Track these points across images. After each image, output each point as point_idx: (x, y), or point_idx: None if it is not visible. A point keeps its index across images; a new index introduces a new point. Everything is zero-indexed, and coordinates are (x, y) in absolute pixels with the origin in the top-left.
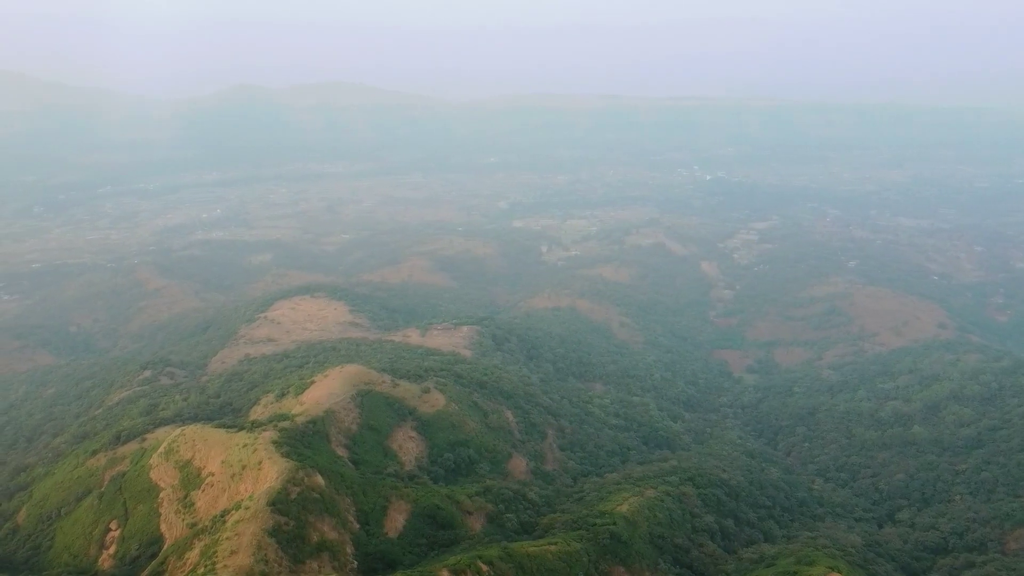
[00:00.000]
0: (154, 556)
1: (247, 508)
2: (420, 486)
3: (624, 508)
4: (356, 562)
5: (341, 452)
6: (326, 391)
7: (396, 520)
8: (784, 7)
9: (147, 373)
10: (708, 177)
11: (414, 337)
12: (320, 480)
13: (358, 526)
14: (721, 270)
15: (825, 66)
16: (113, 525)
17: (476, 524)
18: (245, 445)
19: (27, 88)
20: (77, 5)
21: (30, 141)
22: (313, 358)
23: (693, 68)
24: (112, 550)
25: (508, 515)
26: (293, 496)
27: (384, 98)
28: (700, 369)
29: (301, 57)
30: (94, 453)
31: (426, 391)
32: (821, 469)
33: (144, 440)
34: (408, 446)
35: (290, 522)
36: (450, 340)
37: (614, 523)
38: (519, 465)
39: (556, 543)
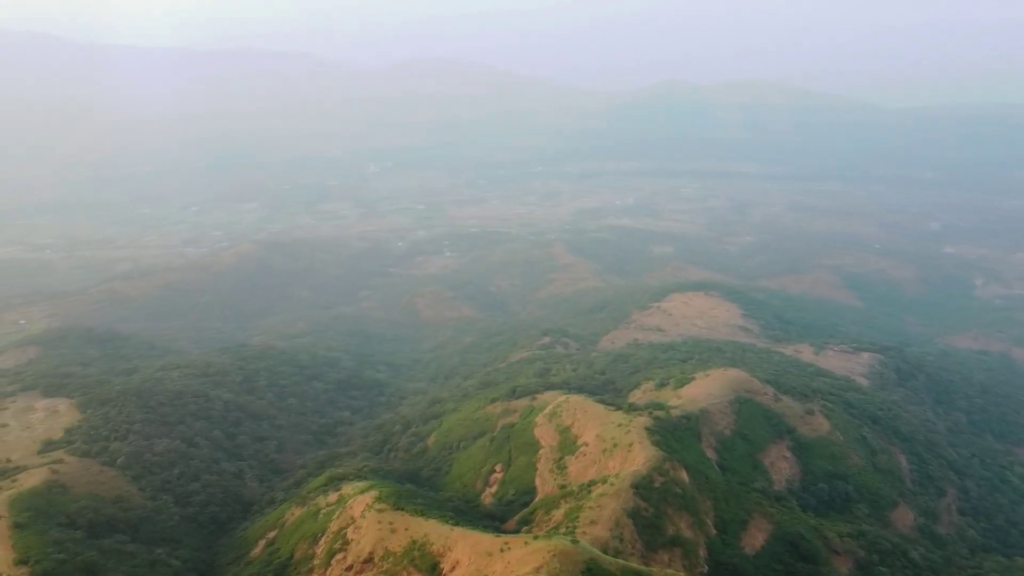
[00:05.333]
0: (525, 505)
1: (612, 485)
2: (787, 509)
3: None
4: (707, 567)
5: (710, 454)
6: (705, 390)
7: (755, 537)
8: None
9: (546, 339)
10: None
11: (806, 353)
12: (685, 476)
13: (715, 532)
14: None
15: None
16: (498, 468)
17: (842, 567)
18: (620, 425)
19: (484, 76)
20: (536, 3)
21: (483, 122)
22: (697, 355)
23: None
24: (494, 489)
25: (881, 568)
26: (656, 485)
27: (810, 99)
28: None
29: (733, 54)
30: (492, 401)
31: (810, 412)
32: None
33: (534, 399)
34: (780, 465)
35: (649, 508)
36: (846, 364)
37: None
38: (905, 517)
39: None
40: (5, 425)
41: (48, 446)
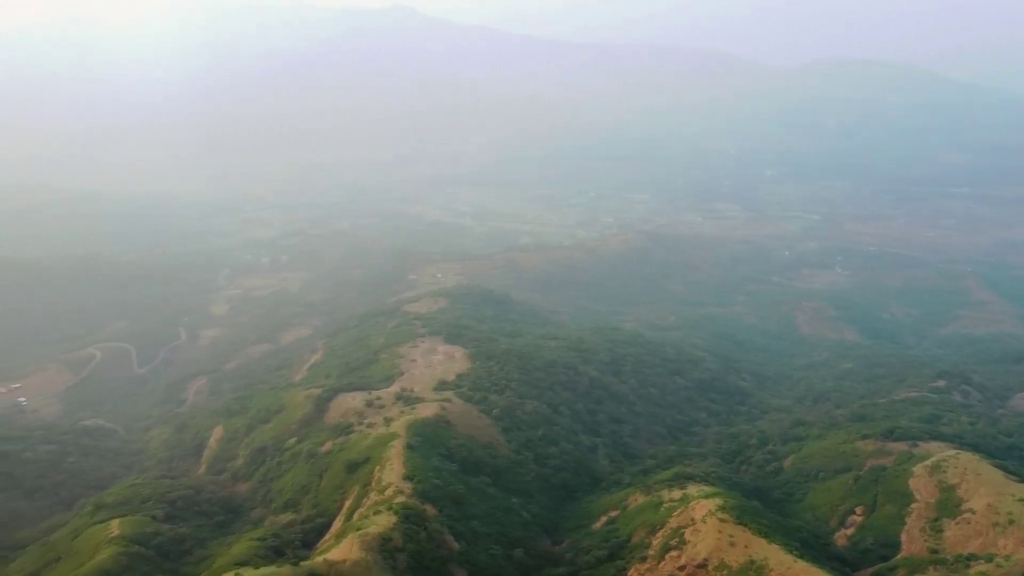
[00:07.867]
0: (884, 559)
1: (999, 567)
2: None
3: None
4: None
5: None
6: None
7: None
8: None
9: (941, 383)
10: None
11: None
12: None
13: None
14: None
15: None
16: (858, 510)
17: None
18: (1022, 500)
19: (907, 78)
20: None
21: (900, 130)
22: None
23: None
24: (850, 532)
25: None
26: None
27: None
28: None
29: None
30: (865, 437)
31: None
32: None
33: (915, 446)
34: None
35: None
36: None
37: None
38: None
39: None
40: (414, 360)
41: (442, 385)
